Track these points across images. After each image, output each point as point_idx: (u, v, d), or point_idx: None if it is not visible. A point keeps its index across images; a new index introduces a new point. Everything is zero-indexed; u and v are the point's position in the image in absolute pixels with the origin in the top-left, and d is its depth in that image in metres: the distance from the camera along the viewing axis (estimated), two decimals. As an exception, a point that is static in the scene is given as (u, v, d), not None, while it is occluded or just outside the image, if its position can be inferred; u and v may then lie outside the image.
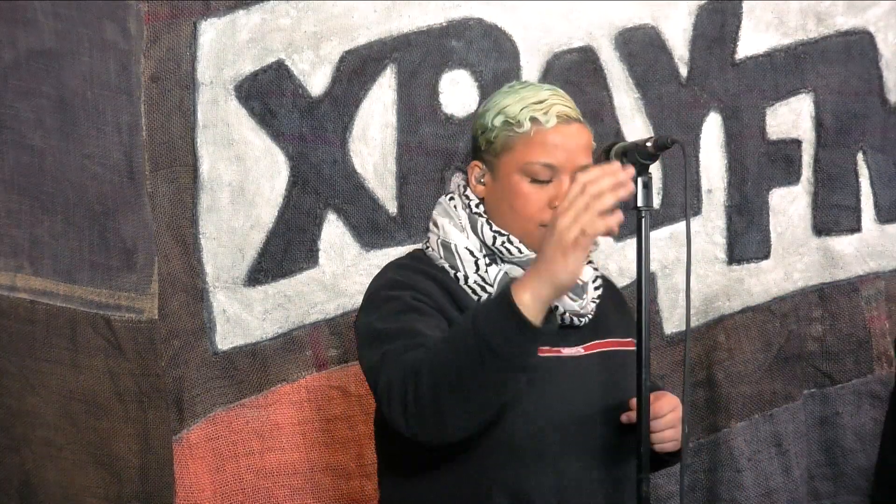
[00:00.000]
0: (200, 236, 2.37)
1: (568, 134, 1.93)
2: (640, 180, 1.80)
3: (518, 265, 1.94)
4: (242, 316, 2.38)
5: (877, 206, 2.61)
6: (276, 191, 2.40)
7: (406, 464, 1.91)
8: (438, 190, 2.44)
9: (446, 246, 1.98)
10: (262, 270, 2.39)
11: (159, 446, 2.30)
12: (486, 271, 1.94)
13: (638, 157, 1.81)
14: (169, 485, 2.30)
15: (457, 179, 2.04)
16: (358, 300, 2.39)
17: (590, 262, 2.01)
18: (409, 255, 2.05)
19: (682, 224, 1.88)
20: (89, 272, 2.28)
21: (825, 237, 2.58)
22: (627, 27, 2.53)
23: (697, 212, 2.54)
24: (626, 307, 2.11)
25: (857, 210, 2.60)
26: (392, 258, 2.39)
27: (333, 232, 2.42)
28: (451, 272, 1.95)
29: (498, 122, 1.94)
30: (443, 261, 1.96)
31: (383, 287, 1.94)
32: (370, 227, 2.42)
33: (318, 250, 2.41)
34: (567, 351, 1.93)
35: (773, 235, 2.56)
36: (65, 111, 2.27)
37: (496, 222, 1.95)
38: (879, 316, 2.58)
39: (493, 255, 1.96)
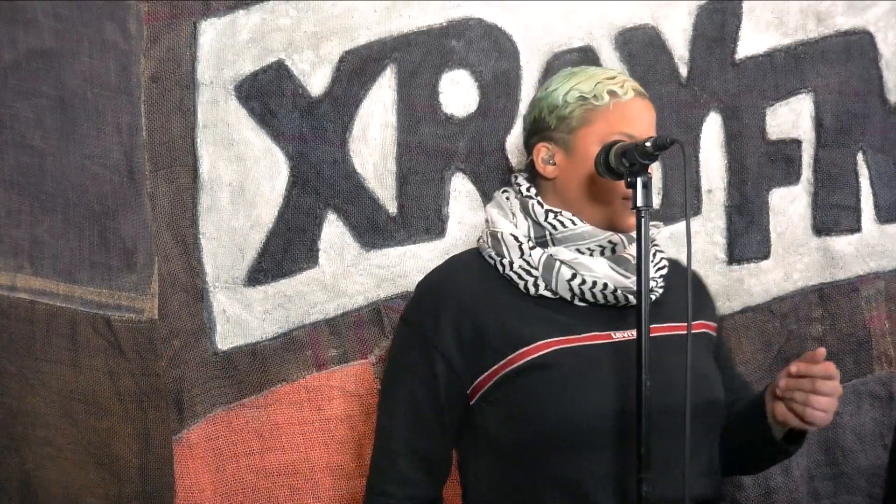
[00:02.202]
0: (200, 236, 2.37)
1: (644, 107, 2.04)
2: (639, 180, 1.81)
3: (568, 243, 1.99)
4: (242, 316, 2.38)
5: (877, 206, 2.60)
6: (276, 191, 2.40)
7: (477, 461, 2.01)
8: (438, 190, 2.44)
9: (494, 235, 2.05)
10: (262, 270, 2.39)
11: (159, 446, 2.31)
12: (531, 255, 1.99)
13: (637, 156, 1.82)
14: (169, 485, 2.31)
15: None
16: (358, 300, 2.41)
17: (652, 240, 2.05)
18: (466, 252, 2.15)
19: (683, 224, 1.89)
20: (89, 272, 2.28)
21: (825, 237, 2.58)
22: (627, 27, 2.53)
23: (697, 212, 2.54)
24: (704, 292, 2.18)
25: (857, 210, 2.59)
26: (392, 258, 2.41)
27: (333, 232, 2.42)
28: (497, 259, 2.02)
29: (572, 98, 2.02)
30: (490, 249, 2.04)
31: (408, 314, 2.10)
32: (370, 227, 2.42)
33: (318, 250, 2.41)
34: (618, 335, 1.96)
35: (773, 235, 2.56)
36: (65, 111, 2.28)
37: (574, 199, 2.02)
38: (879, 316, 2.57)
39: (544, 238, 2.01)
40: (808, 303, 2.57)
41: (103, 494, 2.27)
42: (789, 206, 2.57)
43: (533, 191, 2.06)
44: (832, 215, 2.58)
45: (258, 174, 2.39)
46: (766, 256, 2.57)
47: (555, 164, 2.04)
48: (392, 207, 2.44)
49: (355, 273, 2.42)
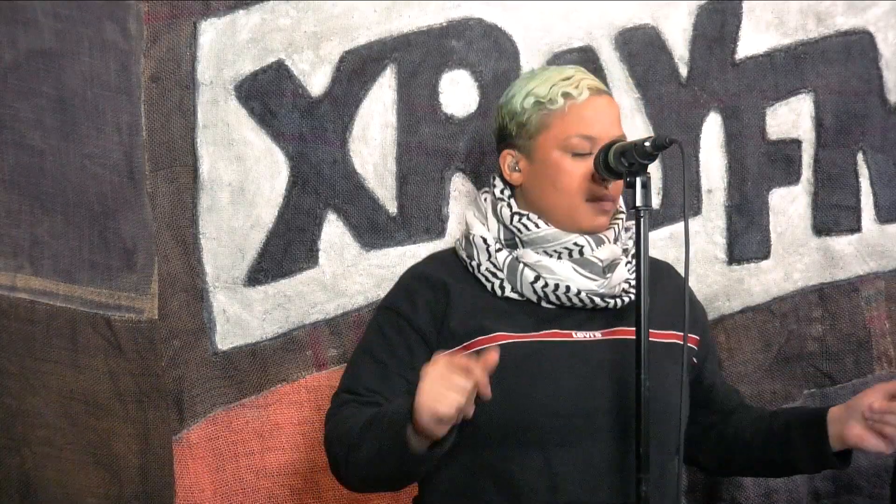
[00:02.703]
0: (200, 236, 2.38)
1: (601, 105, 2.01)
2: (638, 180, 1.82)
3: (535, 245, 2.00)
4: (242, 316, 2.38)
5: (877, 206, 2.60)
6: (276, 191, 2.40)
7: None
8: (438, 190, 2.44)
9: (467, 237, 2.07)
10: (262, 270, 2.39)
11: (159, 446, 2.31)
12: (496, 257, 2.01)
13: (636, 156, 1.82)
14: (169, 485, 2.31)
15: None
16: (358, 300, 2.42)
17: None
18: (445, 251, 2.18)
19: (682, 224, 1.89)
20: (89, 272, 2.29)
21: (825, 237, 2.58)
22: (627, 27, 2.53)
23: (697, 212, 2.54)
24: (692, 302, 2.11)
25: (857, 210, 2.59)
26: (392, 258, 2.41)
27: (333, 232, 2.42)
28: (468, 261, 2.04)
29: (528, 103, 2.01)
30: (462, 251, 2.06)
31: (385, 301, 2.10)
32: (370, 227, 2.42)
33: (318, 250, 2.41)
34: (580, 335, 1.95)
35: (773, 235, 2.56)
36: (65, 111, 2.28)
37: (539, 204, 2.02)
38: (879, 316, 2.57)
39: (513, 240, 2.03)
40: (808, 303, 2.56)
41: (103, 494, 2.28)
42: (789, 206, 2.57)
43: (507, 192, 2.06)
44: (832, 215, 2.58)
45: (258, 174, 2.39)
46: (766, 256, 2.56)
47: (520, 170, 2.05)
48: (392, 207, 2.44)
49: (355, 273, 2.42)
